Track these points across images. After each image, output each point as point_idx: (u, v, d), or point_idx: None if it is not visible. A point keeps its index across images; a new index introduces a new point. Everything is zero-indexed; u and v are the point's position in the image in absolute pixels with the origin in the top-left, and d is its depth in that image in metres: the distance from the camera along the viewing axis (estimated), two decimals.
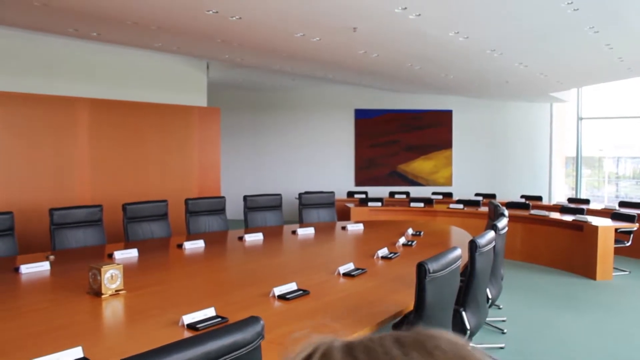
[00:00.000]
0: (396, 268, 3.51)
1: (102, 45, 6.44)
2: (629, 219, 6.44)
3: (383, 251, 3.85)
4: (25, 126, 5.67)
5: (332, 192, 6.43)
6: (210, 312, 2.36)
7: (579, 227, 6.42)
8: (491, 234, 3.23)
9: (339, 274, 3.24)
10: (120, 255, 3.77)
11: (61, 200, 5.52)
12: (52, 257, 3.59)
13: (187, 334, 2.15)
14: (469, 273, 2.95)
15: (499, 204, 5.40)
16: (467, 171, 11.00)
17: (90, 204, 5.14)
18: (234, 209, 7.48)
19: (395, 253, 3.89)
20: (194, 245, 4.24)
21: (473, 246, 2.93)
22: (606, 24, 5.03)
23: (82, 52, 6.39)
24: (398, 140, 11.02)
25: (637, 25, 5.18)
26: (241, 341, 1.43)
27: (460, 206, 7.87)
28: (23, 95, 5.63)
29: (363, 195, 9.50)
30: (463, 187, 10.68)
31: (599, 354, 3.86)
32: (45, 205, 4.71)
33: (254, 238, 4.65)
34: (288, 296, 2.70)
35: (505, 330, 4.30)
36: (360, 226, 5.41)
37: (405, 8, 4.43)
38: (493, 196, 8.91)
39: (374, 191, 10.33)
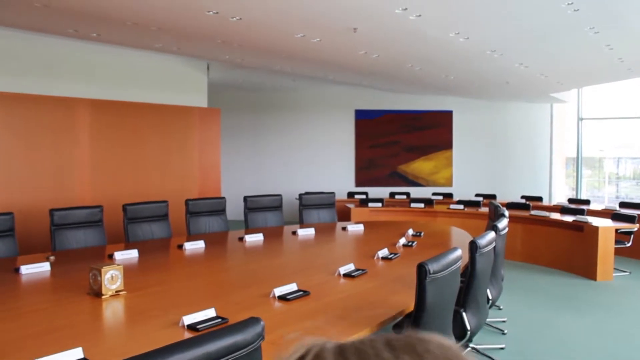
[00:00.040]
0: (396, 269, 3.51)
1: (102, 46, 6.43)
2: (630, 219, 6.44)
3: (383, 252, 3.85)
4: (26, 127, 5.67)
5: (333, 193, 6.43)
6: (210, 312, 2.36)
7: (580, 228, 6.42)
8: (491, 234, 3.23)
9: (339, 274, 3.24)
10: (120, 255, 3.77)
11: (61, 201, 5.52)
12: (52, 257, 3.59)
13: (188, 335, 2.15)
14: (469, 274, 2.95)
15: (499, 205, 5.39)
16: (467, 172, 10.99)
17: (91, 204, 5.13)
18: (235, 209, 7.48)
19: (395, 254, 3.89)
20: (195, 246, 4.24)
21: (473, 247, 2.93)
22: (606, 25, 5.03)
23: (82, 53, 6.38)
24: (398, 140, 11.02)
25: (637, 26, 5.18)
26: (241, 342, 1.43)
27: (461, 207, 7.87)
28: (23, 96, 5.63)
29: (363, 196, 9.49)
30: (463, 187, 10.68)
31: (599, 355, 3.85)
32: (46, 205, 4.72)
33: (255, 239, 4.65)
34: (288, 297, 2.70)
35: (505, 331, 4.30)
36: (361, 227, 5.41)
37: (406, 9, 4.43)
38: (493, 197, 8.92)
39: (374, 192, 10.34)
